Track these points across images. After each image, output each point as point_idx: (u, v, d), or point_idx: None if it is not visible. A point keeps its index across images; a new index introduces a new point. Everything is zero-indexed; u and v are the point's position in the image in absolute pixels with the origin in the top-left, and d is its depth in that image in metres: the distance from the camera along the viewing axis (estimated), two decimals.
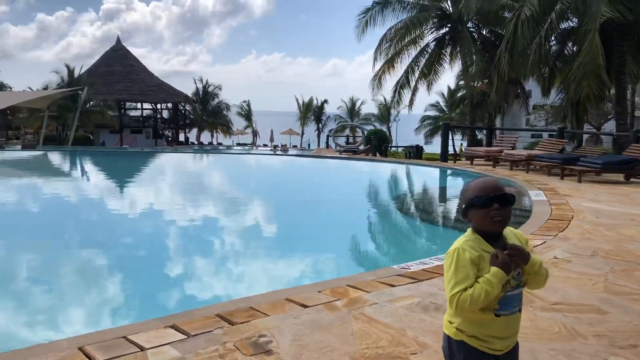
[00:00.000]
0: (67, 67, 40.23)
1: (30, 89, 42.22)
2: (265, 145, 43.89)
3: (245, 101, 58.13)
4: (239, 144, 46.53)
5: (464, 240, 2.01)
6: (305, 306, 3.97)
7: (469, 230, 2.05)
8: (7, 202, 12.23)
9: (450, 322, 2.07)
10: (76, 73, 40.33)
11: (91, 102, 39.01)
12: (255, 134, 56.03)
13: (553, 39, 18.74)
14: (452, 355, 2.07)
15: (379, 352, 3.26)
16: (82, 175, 20.38)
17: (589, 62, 15.11)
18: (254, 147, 39.49)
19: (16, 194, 13.71)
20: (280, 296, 4.18)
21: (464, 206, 2.01)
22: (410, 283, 4.57)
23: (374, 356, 3.21)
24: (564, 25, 18.57)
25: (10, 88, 45.95)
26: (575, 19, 18.27)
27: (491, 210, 1.93)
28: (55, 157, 26.28)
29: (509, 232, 2.07)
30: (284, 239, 8.65)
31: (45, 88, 40.11)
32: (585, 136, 35.06)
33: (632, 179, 12.37)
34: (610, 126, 31.78)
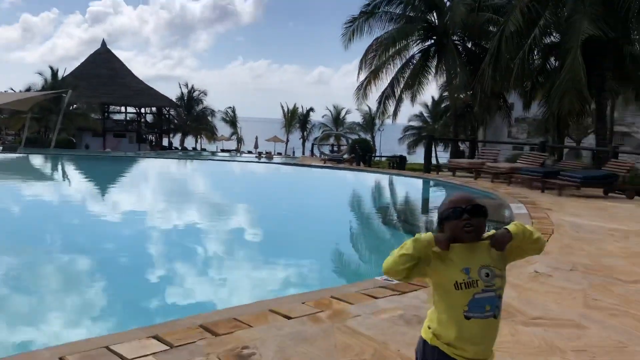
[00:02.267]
0: (51, 68, 39.85)
1: (13, 90, 41.71)
2: (249, 152, 43.82)
3: (230, 107, 58.13)
4: (223, 150, 46.37)
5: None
6: (288, 317, 3.99)
7: None
8: None
9: (428, 327, 2.13)
10: (60, 75, 39.97)
11: (75, 105, 38.62)
12: (239, 140, 55.93)
13: (536, 53, 19.02)
14: (424, 358, 2.11)
15: None
16: (64, 178, 20.16)
17: (570, 79, 15.36)
18: (239, 154, 39.39)
19: None
20: (264, 307, 4.18)
21: (439, 219, 2.10)
22: (394, 295, 4.60)
23: None
24: (546, 40, 18.87)
25: None
26: (557, 35, 18.57)
27: (462, 221, 2.01)
28: (37, 160, 25.97)
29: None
30: (268, 248, 8.64)
31: (29, 89, 39.65)
32: (565, 150, 35.58)
33: (610, 194, 12.58)
34: (589, 140, 32.27)
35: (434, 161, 28.17)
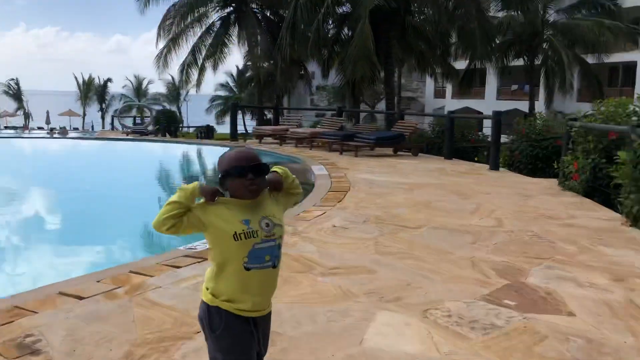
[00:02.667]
0: None
1: None
2: (40, 128, 39.65)
3: (13, 79, 51.91)
4: (7, 127, 41.30)
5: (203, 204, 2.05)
6: (80, 298, 3.70)
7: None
8: None
9: (207, 288, 2.07)
10: None
11: None
12: (27, 115, 50.32)
13: (331, 22, 19.90)
14: (211, 323, 2.03)
15: (163, 336, 3.18)
16: None
17: (361, 46, 16.39)
18: (27, 131, 35.43)
19: None
20: (52, 290, 3.83)
21: (220, 175, 2.02)
22: (196, 263, 4.53)
23: (156, 340, 3.12)
24: (340, 10, 19.82)
25: None
26: (349, 5, 19.62)
27: (246, 180, 1.97)
28: None
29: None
30: (61, 230, 7.93)
31: None
32: (362, 115, 38.21)
33: (399, 152, 13.81)
34: (382, 106, 35.01)
35: (243, 130, 28.31)
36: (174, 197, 1.97)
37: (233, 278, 2.00)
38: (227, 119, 45.70)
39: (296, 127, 16.45)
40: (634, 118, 6.98)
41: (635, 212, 5.89)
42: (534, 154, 11.46)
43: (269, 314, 2.16)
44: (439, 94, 45.11)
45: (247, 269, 1.98)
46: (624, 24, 24.97)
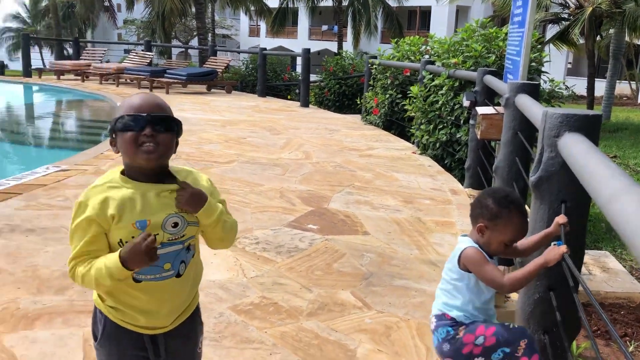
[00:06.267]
0: None
1: None
2: None
3: None
4: None
5: (95, 186, 1.46)
6: None
7: (114, 169, 1.50)
8: None
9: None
10: None
11: None
12: None
13: None
14: (93, 328, 1.56)
15: None
16: None
17: None
18: None
19: None
20: None
21: (109, 129, 1.46)
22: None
23: None
24: None
25: None
26: None
27: (140, 135, 1.40)
28: None
29: (187, 174, 1.54)
30: None
31: None
32: (176, 52, 36.60)
33: (212, 90, 13.59)
34: (196, 43, 33.82)
35: (40, 65, 25.42)
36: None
37: (119, 289, 1.46)
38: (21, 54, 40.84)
39: (99, 62, 15.23)
40: (426, 56, 7.66)
41: (425, 141, 6.55)
42: (341, 91, 12.07)
43: (187, 326, 1.60)
44: (254, 32, 44.88)
45: (137, 280, 1.46)
46: None
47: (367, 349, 2.51)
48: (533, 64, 5.63)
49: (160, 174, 1.48)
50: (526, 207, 1.93)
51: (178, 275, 1.50)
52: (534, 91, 3.12)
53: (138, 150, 1.40)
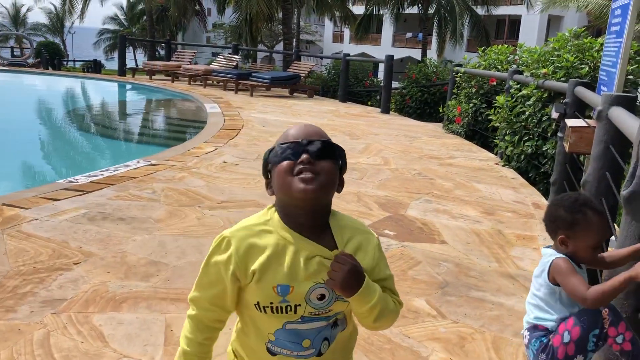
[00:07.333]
0: None
1: None
2: None
3: None
4: None
5: (247, 226, 1.27)
6: None
7: (269, 207, 1.32)
8: None
9: (235, 332, 1.41)
10: None
11: None
12: None
13: None
14: None
15: (38, 267, 3.05)
16: None
17: None
18: None
19: None
20: None
21: (263, 167, 1.30)
22: (77, 196, 4.34)
23: (31, 272, 2.99)
24: None
25: None
26: None
27: (297, 163, 1.21)
28: None
29: (353, 234, 1.30)
30: None
31: None
32: (261, 55, 37.53)
33: (295, 94, 13.82)
34: (281, 48, 34.53)
35: (133, 65, 26.84)
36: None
37: (252, 355, 1.33)
38: (117, 54, 43.28)
39: (189, 64, 15.87)
40: (513, 65, 7.44)
41: (508, 152, 6.36)
42: (422, 99, 11.94)
43: None
44: (337, 38, 45.26)
45: (271, 352, 1.29)
46: None
47: (439, 358, 2.47)
48: (630, 76, 5.33)
49: (320, 226, 1.27)
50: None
51: (319, 354, 1.29)
52: (630, 104, 2.96)
53: (293, 180, 1.19)
